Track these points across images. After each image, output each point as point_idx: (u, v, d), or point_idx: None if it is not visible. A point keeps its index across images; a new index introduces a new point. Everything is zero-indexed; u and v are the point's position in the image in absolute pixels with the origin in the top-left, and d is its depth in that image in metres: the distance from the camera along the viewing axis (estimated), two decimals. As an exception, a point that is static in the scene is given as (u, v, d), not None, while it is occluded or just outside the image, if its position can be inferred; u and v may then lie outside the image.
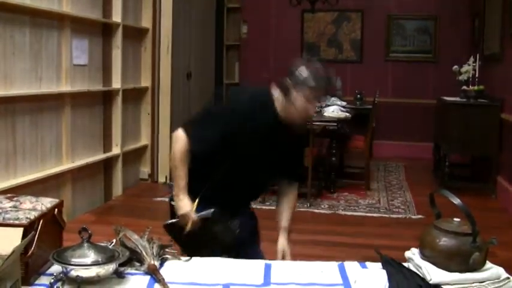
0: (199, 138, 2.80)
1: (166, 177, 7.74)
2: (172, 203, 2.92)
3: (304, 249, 4.90)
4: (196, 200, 2.78)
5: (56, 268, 2.08)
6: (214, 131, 2.77)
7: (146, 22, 7.55)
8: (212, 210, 2.72)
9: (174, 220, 2.85)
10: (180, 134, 2.84)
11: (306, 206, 6.59)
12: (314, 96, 2.75)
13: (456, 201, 2.06)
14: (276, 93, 2.83)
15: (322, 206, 6.64)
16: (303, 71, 2.73)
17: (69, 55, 5.72)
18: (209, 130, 2.80)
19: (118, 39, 6.66)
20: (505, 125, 7.13)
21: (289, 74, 2.77)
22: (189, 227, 2.74)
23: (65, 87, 5.72)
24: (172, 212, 2.94)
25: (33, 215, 2.06)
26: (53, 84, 5.56)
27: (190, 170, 2.82)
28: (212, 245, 2.78)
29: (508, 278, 2.04)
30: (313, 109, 2.81)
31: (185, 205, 2.77)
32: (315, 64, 2.78)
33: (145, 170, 7.76)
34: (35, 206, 2.14)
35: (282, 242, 3.04)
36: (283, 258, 2.97)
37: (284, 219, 3.11)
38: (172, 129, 7.62)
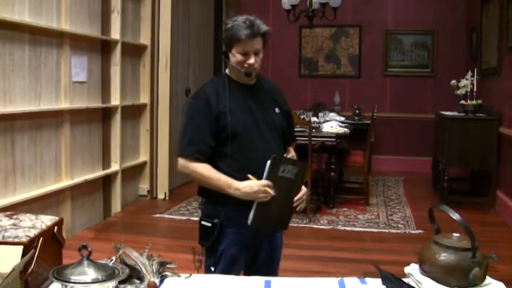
0: (194, 142, 2.87)
1: (165, 194, 7.74)
2: (205, 223, 2.96)
3: (304, 265, 4.89)
4: (249, 175, 2.76)
5: (55, 286, 2.08)
6: (202, 125, 2.87)
7: (145, 39, 7.57)
8: (271, 158, 2.73)
9: (253, 210, 2.75)
10: (182, 162, 2.91)
11: (305, 221, 6.58)
12: (242, 46, 2.83)
13: (455, 216, 2.06)
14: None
15: (322, 222, 6.63)
16: (225, 32, 2.88)
17: (68, 72, 5.74)
18: (197, 128, 2.88)
19: (117, 56, 6.68)
20: (503, 139, 7.14)
21: (222, 41, 2.94)
22: (271, 191, 2.71)
23: (64, 104, 5.74)
24: (202, 231, 2.98)
25: (32, 232, 2.06)
26: (52, 101, 5.57)
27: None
28: (292, 189, 2.83)
29: (508, 293, 2.04)
30: (250, 59, 2.85)
31: (248, 185, 2.74)
32: (236, 19, 2.88)
33: (144, 186, 7.76)
34: (34, 223, 2.14)
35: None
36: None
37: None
38: (172, 145, 7.68)
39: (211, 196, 2.92)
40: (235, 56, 2.87)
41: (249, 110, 2.91)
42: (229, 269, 2.88)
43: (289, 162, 2.78)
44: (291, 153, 3.17)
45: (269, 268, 3.02)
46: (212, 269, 2.94)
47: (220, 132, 2.84)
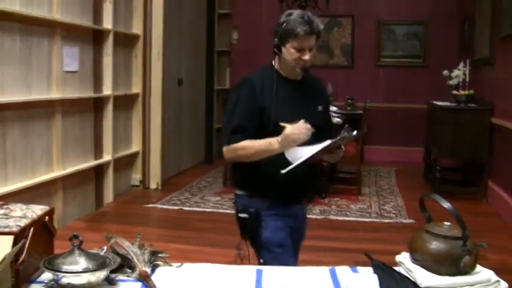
0: (237, 130, 2.89)
1: (157, 184, 7.73)
2: (242, 215, 2.98)
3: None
4: (281, 123, 2.77)
5: (46, 275, 2.07)
6: (245, 115, 2.89)
7: (137, 29, 7.55)
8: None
9: (299, 162, 2.70)
10: (225, 149, 2.95)
11: (297, 211, 6.59)
12: (299, 43, 2.83)
13: (446, 204, 2.07)
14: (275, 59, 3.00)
15: (314, 212, 6.64)
16: (282, 25, 2.86)
17: (59, 62, 5.72)
18: (240, 118, 2.90)
19: (109, 46, 6.66)
20: (495, 129, 7.16)
21: (274, 35, 2.91)
22: (308, 127, 2.72)
23: (56, 94, 5.72)
24: (241, 224, 3.01)
25: (23, 222, 2.05)
26: (43, 92, 5.56)
27: (248, 163, 2.92)
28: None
29: (498, 281, 2.04)
30: (305, 55, 2.86)
31: (286, 133, 2.73)
32: (291, 13, 2.88)
33: (136, 176, 7.75)
34: (25, 213, 2.13)
35: None
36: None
37: None
38: (164, 135, 7.68)
39: (247, 187, 3.01)
40: (289, 51, 2.86)
41: (292, 106, 2.92)
42: (276, 257, 2.90)
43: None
44: None
45: (295, 248, 3.13)
46: (261, 260, 2.96)
47: (262, 125, 2.85)
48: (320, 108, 3.05)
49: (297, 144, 2.72)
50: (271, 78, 2.94)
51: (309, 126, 2.70)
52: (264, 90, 2.90)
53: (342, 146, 2.79)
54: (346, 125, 2.74)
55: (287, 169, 2.67)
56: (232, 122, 2.91)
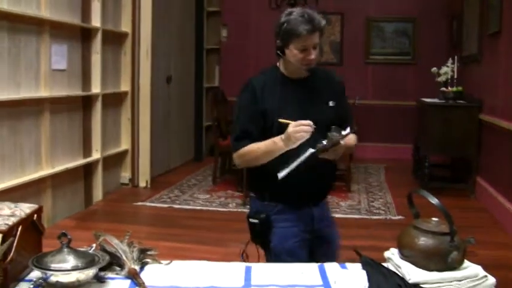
0: (242, 136, 2.88)
1: (147, 182, 7.72)
2: (252, 220, 2.96)
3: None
4: (280, 120, 2.73)
5: (35, 274, 2.07)
6: (248, 120, 2.88)
7: (126, 26, 7.53)
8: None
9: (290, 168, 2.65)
10: (234, 156, 2.94)
11: (287, 208, 6.60)
12: (302, 42, 2.76)
13: (434, 200, 2.08)
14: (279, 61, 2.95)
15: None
16: (282, 26, 2.79)
17: (48, 60, 5.70)
18: (244, 122, 2.89)
19: (97, 44, 6.64)
20: (483, 125, 7.19)
21: (275, 36, 2.85)
22: (309, 124, 2.64)
23: (44, 93, 5.70)
24: (251, 229, 2.98)
25: (11, 221, 2.05)
26: (31, 90, 5.54)
27: (259, 166, 2.87)
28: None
29: (486, 276, 2.06)
30: (310, 54, 2.80)
31: (288, 131, 2.66)
32: (291, 12, 2.81)
33: (125, 174, 7.73)
34: (13, 212, 2.13)
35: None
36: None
37: None
38: (153, 133, 7.67)
39: (258, 190, 2.99)
40: (292, 52, 2.80)
41: (298, 105, 2.86)
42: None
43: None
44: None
45: (324, 252, 2.98)
46: None
47: (267, 127, 2.81)
48: (331, 103, 2.94)
49: (302, 142, 2.65)
50: (273, 79, 2.90)
51: (310, 123, 2.63)
52: (265, 92, 2.86)
53: (342, 142, 2.66)
54: (333, 127, 2.65)
55: (282, 174, 2.64)
56: (237, 128, 2.91)
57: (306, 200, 2.95)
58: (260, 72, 3.02)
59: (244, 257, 2.90)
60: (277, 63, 2.97)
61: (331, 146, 2.63)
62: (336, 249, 3.10)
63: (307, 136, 2.63)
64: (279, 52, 2.88)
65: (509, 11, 6.07)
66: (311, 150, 2.60)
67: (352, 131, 2.69)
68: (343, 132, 2.64)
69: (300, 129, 2.62)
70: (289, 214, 2.91)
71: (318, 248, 3.00)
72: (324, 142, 2.62)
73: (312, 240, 2.98)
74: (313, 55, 2.79)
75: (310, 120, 2.64)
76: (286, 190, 2.85)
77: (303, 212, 2.94)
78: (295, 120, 2.66)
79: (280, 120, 2.71)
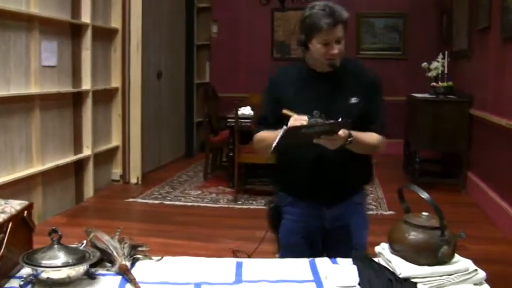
0: (260, 121, 2.95)
1: (138, 178, 7.71)
2: (267, 205, 3.02)
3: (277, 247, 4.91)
4: (284, 111, 2.70)
5: (26, 270, 2.06)
6: (267, 107, 2.93)
7: (116, 22, 7.51)
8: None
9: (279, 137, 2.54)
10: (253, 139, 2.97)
11: (278, 204, 6.60)
12: (323, 36, 2.69)
13: (424, 195, 2.08)
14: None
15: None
16: (304, 21, 2.74)
17: (38, 56, 5.68)
18: (264, 109, 2.96)
19: (87, 40, 6.62)
20: (474, 120, 7.21)
21: (299, 30, 2.80)
22: (302, 122, 2.57)
23: (34, 89, 5.68)
24: (272, 216, 2.99)
25: (2, 217, 2.04)
26: (21, 86, 5.52)
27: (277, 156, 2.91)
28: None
29: (476, 270, 2.06)
30: (332, 49, 2.71)
31: (288, 124, 2.60)
32: (314, 6, 2.74)
33: (117, 171, 7.72)
34: (3, 208, 2.12)
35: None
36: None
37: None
38: (144, 129, 7.66)
39: (275, 180, 3.03)
40: (315, 47, 2.72)
41: (316, 99, 2.77)
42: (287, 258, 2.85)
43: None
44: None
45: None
46: (277, 255, 2.95)
47: (281, 117, 2.73)
48: (354, 100, 2.80)
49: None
50: (298, 71, 2.87)
51: (305, 118, 2.57)
52: (286, 83, 2.85)
53: (340, 133, 2.54)
54: (316, 111, 2.57)
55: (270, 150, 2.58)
56: (258, 114, 2.99)
57: (315, 197, 2.87)
58: (286, 65, 3.01)
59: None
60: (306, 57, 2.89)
61: (317, 133, 2.52)
62: (352, 251, 2.69)
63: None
64: (301, 47, 2.81)
65: (498, 7, 6.08)
66: (284, 127, 2.53)
67: (344, 122, 2.56)
68: (330, 121, 2.54)
69: (299, 123, 2.58)
70: (297, 208, 2.90)
71: (332, 248, 2.87)
72: (304, 123, 2.55)
73: (324, 239, 2.91)
74: (335, 50, 2.71)
75: (327, 116, 2.57)
76: (295, 183, 2.88)
77: (312, 209, 2.88)
78: (311, 113, 2.58)
79: (284, 111, 2.68)
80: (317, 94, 2.81)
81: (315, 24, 2.67)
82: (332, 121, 2.52)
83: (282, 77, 2.90)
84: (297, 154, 2.79)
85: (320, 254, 2.67)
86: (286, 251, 2.90)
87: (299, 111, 2.63)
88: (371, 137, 2.81)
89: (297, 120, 2.58)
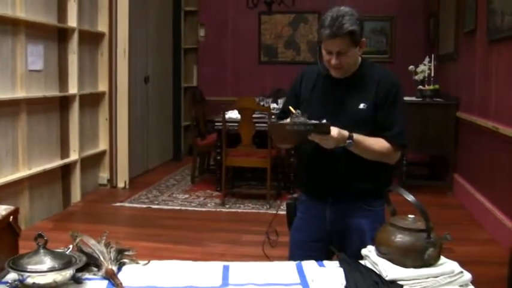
0: (279, 114, 3.06)
1: (125, 182, 7.69)
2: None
3: (265, 250, 4.91)
4: (291, 107, 2.67)
5: (11, 276, 2.06)
6: (287, 101, 3.00)
7: (102, 26, 7.49)
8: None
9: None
10: None
11: (265, 207, 6.61)
12: (325, 45, 2.69)
13: (410, 197, 2.09)
14: None
15: (282, 207, 6.63)
16: (320, 20, 2.73)
17: (24, 61, 5.66)
18: (285, 103, 3.05)
19: (74, 44, 6.60)
20: (460, 123, 7.25)
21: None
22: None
23: (20, 93, 5.66)
24: (287, 212, 3.08)
25: (-13, 222, 2.03)
26: (7, 91, 5.49)
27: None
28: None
29: (462, 272, 2.07)
30: (332, 60, 2.69)
31: None
32: (329, 11, 2.70)
33: (104, 175, 7.70)
34: (-11, 213, 2.12)
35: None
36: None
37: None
38: (131, 133, 7.64)
39: (295, 178, 3.09)
40: (323, 52, 2.73)
41: (328, 104, 2.78)
42: (293, 255, 2.87)
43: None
44: None
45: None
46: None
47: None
48: (362, 106, 2.73)
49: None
50: (319, 71, 2.88)
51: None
52: (307, 81, 2.90)
53: (332, 134, 2.51)
54: (298, 111, 2.57)
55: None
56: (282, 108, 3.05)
57: (319, 197, 2.88)
58: (320, 63, 2.92)
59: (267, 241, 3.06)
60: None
61: (304, 131, 2.51)
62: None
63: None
64: (318, 48, 2.80)
65: (484, 9, 6.11)
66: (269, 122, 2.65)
67: (323, 124, 2.51)
68: (312, 122, 2.52)
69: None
70: (307, 207, 2.95)
71: (341, 249, 2.65)
72: (287, 120, 2.60)
73: (331, 240, 2.84)
74: (334, 61, 2.68)
75: (333, 120, 2.56)
76: (305, 180, 2.95)
77: (316, 209, 2.89)
78: (318, 116, 2.59)
79: (290, 107, 2.67)
80: (328, 97, 2.82)
81: (319, 32, 2.69)
82: (313, 121, 2.52)
83: (307, 75, 2.94)
84: (308, 153, 2.82)
85: (326, 254, 2.71)
86: (293, 246, 2.97)
87: (309, 112, 2.63)
88: (378, 143, 2.72)
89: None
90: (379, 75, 2.82)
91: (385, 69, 2.91)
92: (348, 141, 2.59)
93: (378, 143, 2.72)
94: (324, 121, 2.53)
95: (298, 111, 2.58)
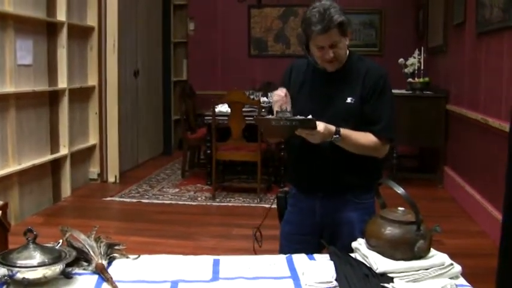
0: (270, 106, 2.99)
1: (115, 177, 7.67)
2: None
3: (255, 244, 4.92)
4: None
5: (1, 271, 2.04)
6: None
7: (92, 20, 7.46)
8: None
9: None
10: None
11: (256, 201, 6.62)
12: (316, 41, 2.68)
13: (399, 190, 2.10)
14: None
15: (272, 201, 6.64)
16: (302, 24, 2.74)
17: (13, 55, 5.63)
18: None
19: (63, 38, 6.58)
20: (450, 116, 7.27)
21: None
22: (279, 94, 2.66)
23: (9, 88, 5.63)
24: (277, 205, 3.08)
25: (-24, 217, 2.02)
26: (-4, 85, 5.47)
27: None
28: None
29: (452, 264, 2.08)
30: (326, 53, 2.68)
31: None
32: (313, 7, 2.73)
33: (94, 170, 7.69)
34: (-22, 208, 2.11)
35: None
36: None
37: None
38: (121, 128, 7.61)
39: (286, 172, 3.10)
40: (313, 49, 2.72)
41: (316, 98, 2.79)
42: (284, 248, 2.91)
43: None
44: None
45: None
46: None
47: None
48: (349, 100, 2.73)
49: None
50: (308, 65, 2.87)
51: (280, 93, 2.65)
52: (297, 75, 2.89)
53: (319, 129, 2.51)
54: (285, 106, 2.58)
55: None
56: None
57: (308, 190, 2.89)
58: (310, 57, 2.89)
59: (257, 236, 3.00)
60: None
61: (291, 126, 2.52)
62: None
63: (277, 98, 2.65)
64: (304, 48, 2.80)
65: (473, 2, 6.12)
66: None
67: (309, 119, 2.51)
68: (298, 117, 2.52)
69: (276, 93, 2.69)
70: (297, 200, 2.95)
71: (332, 243, 2.62)
72: (270, 116, 2.67)
73: (322, 234, 2.85)
74: (329, 54, 2.68)
75: (321, 114, 2.60)
76: (294, 174, 2.96)
77: (306, 203, 2.90)
78: (304, 108, 2.64)
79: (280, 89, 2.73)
80: (317, 91, 2.82)
81: (308, 29, 2.67)
82: (299, 117, 2.53)
83: (296, 68, 2.94)
84: (297, 147, 2.81)
85: (317, 247, 2.71)
86: (284, 239, 2.98)
87: (298, 105, 2.67)
88: (366, 138, 2.72)
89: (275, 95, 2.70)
90: (366, 68, 2.82)
91: (373, 62, 2.91)
92: (334, 136, 2.60)
93: (365, 137, 2.72)
94: (310, 116, 2.53)
95: (285, 107, 2.58)
